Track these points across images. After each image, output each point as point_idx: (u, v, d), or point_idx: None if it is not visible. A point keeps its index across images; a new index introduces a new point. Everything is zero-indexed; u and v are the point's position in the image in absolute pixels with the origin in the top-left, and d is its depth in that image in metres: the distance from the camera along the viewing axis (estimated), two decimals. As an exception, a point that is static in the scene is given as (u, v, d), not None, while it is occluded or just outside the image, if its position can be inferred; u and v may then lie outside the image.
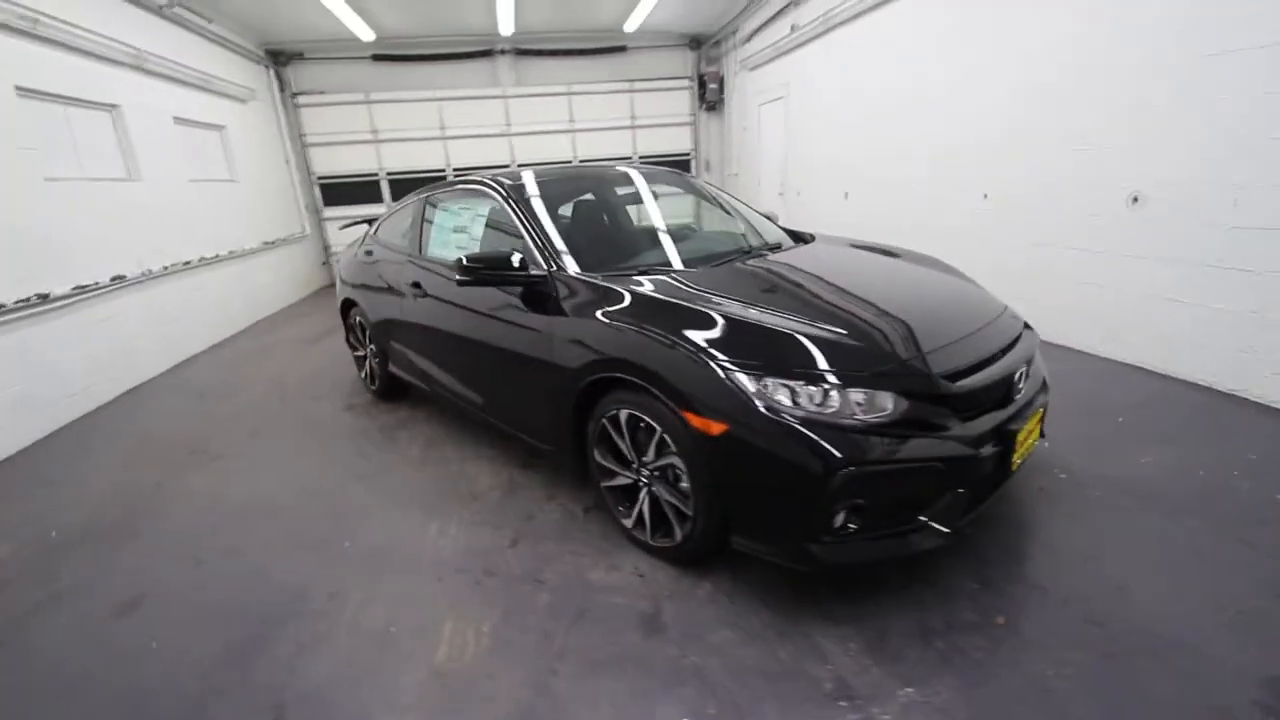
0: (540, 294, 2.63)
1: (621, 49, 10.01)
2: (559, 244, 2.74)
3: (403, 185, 9.55)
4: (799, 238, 3.42)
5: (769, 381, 1.94)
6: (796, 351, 2.00)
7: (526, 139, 10.02)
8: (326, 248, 9.99)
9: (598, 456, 2.52)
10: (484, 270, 2.65)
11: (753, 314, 2.18)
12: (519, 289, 2.70)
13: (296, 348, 6.09)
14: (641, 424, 2.27)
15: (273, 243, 8.10)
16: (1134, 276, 3.92)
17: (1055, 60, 4.25)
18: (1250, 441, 2.94)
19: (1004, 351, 2.26)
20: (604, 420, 2.41)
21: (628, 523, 2.50)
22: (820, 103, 7.37)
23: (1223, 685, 1.71)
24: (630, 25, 9.06)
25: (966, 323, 2.32)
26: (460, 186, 3.45)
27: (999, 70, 4.75)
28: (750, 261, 2.82)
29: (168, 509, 3.07)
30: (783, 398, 1.91)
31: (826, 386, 1.92)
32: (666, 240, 3.06)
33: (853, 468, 1.81)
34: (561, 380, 2.53)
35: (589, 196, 3.36)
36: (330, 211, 9.83)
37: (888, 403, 1.93)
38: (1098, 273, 4.15)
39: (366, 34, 8.41)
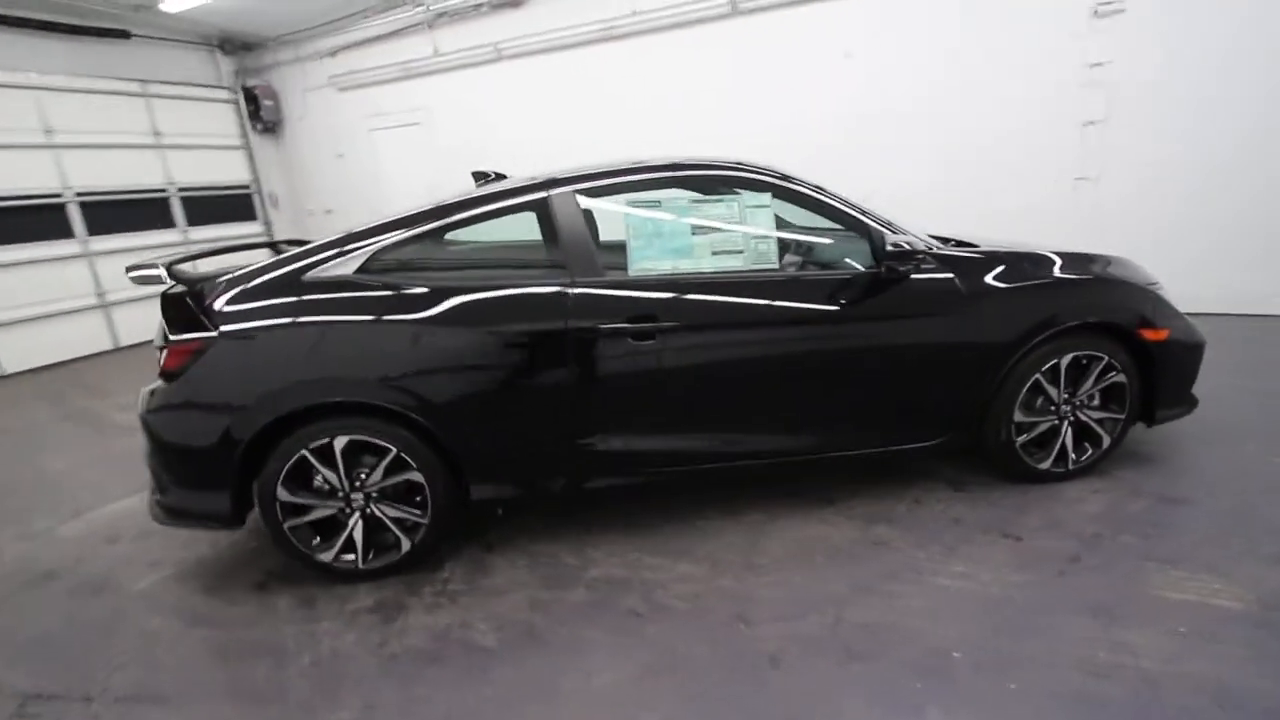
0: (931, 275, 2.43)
1: (123, 34, 6.78)
2: (890, 220, 2.52)
3: None
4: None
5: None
6: None
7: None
8: None
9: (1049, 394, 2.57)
10: (901, 265, 2.35)
11: None
12: (918, 275, 2.39)
13: None
14: (1083, 361, 2.55)
15: None
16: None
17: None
18: None
19: None
20: (1038, 375, 2.52)
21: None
22: (498, 132, 7.18)
23: None
24: (172, 4, 6.32)
25: None
26: (641, 178, 2.44)
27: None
28: None
29: None
30: None
31: None
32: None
33: None
34: (993, 355, 2.48)
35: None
36: None
37: None
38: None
39: None
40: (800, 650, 1.92)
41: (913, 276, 2.38)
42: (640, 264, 2.35)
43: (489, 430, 2.32)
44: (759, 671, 1.85)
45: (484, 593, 2.31)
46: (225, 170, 7.92)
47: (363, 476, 2.30)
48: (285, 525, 2.29)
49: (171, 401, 2.22)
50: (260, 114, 8.02)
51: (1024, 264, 2.55)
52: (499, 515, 2.72)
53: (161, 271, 2.23)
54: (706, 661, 1.91)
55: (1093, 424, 2.64)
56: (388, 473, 2.30)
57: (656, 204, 2.39)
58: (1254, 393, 3.43)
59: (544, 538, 2.61)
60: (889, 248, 2.31)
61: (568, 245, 2.33)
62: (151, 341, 2.62)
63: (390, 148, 7.94)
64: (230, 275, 2.34)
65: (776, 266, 2.40)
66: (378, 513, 2.34)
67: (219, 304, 2.24)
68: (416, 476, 2.31)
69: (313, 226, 8.66)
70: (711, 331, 2.34)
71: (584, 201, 2.38)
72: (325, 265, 2.31)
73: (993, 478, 2.77)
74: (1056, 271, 2.56)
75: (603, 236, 2.56)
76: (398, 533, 2.36)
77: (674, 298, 2.31)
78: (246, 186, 8.19)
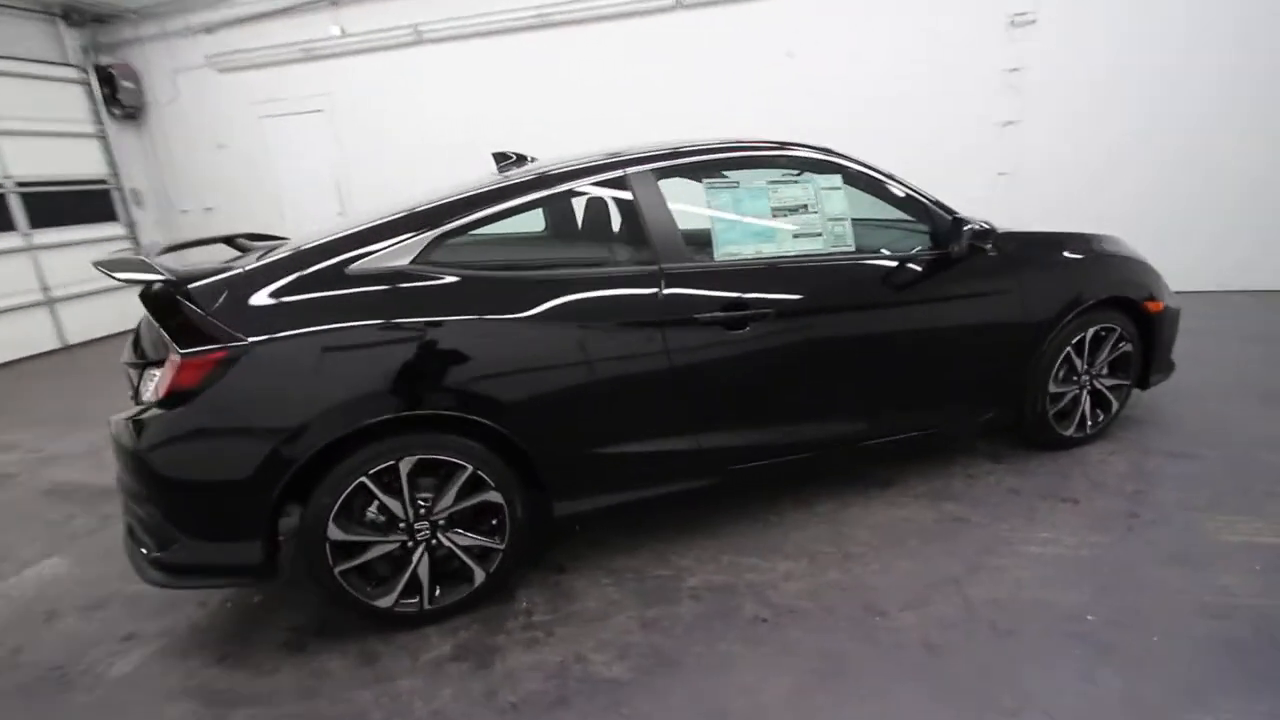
0: (998, 255, 2.51)
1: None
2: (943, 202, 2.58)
3: None
4: None
5: None
6: None
7: None
8: None
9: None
10: (983, 243, 2.41)
11: None
12: (976, 254, 2.45)
13: None
14: (1101, 334, 2.74)
15: None
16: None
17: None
18: None
19: None
20: (1069, 348, 2.69)
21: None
22: (417, 122, 6.61)
23: None
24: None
25: None
26: (716, 158, 2.30)
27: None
28: None
29: None
30: None
31: None
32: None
33: None
34: (1035, 332, 2.60)
35: None
36: None
37: None
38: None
39: None
40: (948, 633, 1.88)
41: (982, 257, 2.45)
42: (725, 248, 2.21)
43: (580, 438, 2.07)
44: (922, 660, 1.79)
45: (580, 619, 2.06)
46: (76, 162, 6.64)
47: (423, 502, 1.97)
48: (337, 570, 1.90)
49: (185, 428, 1.76)
50: (118, 97, 6.82)
51: (1055, 245, 2.71)
52: (576, 532, 2.45)
53: (159, 268, 1.76)
54: (864, 659, 1.81)
55: (1105, 391, 2.87)
56: (460, 495, 1.98)
57: (735, 185, 2.26)
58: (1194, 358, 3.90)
59: (619, 552, 2.38)
60: (972, 227, 2.34)
61: (653, 229, 2.13)
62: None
63: (284, 138, 7.07)
64: (238, 272, 1.91)
65: (854, 249, 2.36)
66: (446, 542, 2.01)
67: (251, 303, 1.81)
68: (493, 497, 2.01)
69: (187, 227, 7.54)
70: (803, 318, 2.25)
71: (661, 182, 2.19)
72: (372, 256, 1.94)
73: (1020, 448, 2.92)
74: (1081, 251, 2.75)
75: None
76: (469, 563, 2.05)
77: (764, 284, 2.20)
78: (104, 181, 6.92)
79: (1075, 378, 2.79)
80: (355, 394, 1.82)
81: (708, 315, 2.11)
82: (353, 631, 2.06)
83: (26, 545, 2.75)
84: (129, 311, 7.48)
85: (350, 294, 1.88)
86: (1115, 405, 2.92)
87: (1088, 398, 2.85)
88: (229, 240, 2.73)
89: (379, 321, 1.85)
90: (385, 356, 1.84)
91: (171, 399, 1.76)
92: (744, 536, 2.43)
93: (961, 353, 2.56)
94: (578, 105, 6.15)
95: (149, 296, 1.86)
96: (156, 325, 1.80)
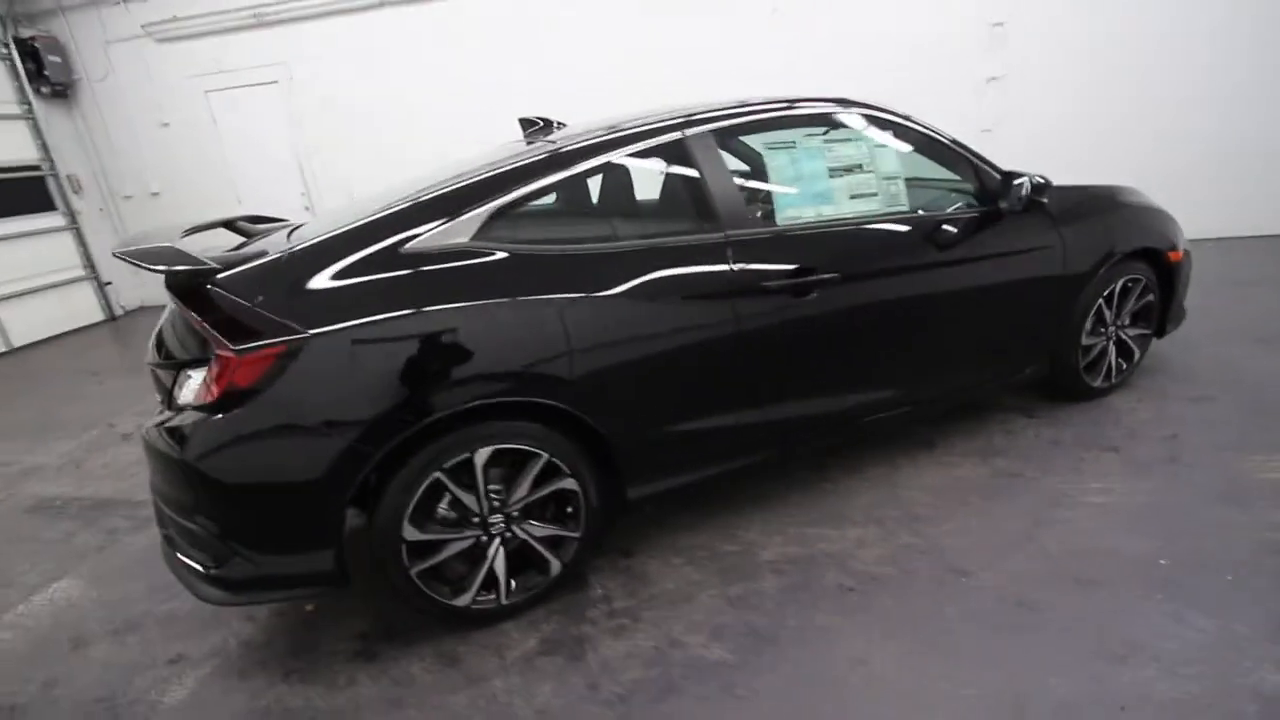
0: (1041, 210, 2.52)
1: None
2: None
3: None
4: None
5: None
6: None
7: None
8: None
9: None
10: (1042, 196, 2.46)
11: None
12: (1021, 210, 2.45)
13: None
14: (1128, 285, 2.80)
15: None
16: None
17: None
18: None
19: None
20: (1100, 300, 2.73)
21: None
22: (387, 91, 6.22)
23: None
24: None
25: None
26: (774, 117, 2.22)
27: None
28: None
29: None
30: None
31: None
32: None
33: None
34: (1074, 285, 2.64)
35: None
36: None
37: None
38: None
39: None
40: (1036, 589, 1.90)
41: (1027, 213, 2.44)
42: (786, 211, 2.14)
43: (654, 418, 1.99)
44: (1019, 617, 1.81)
45: (663, 602, 2.01)
46: (1, 147, 6.03)
47: (494, 494, 1.87)
48: (413, 571, 1.79)
49: (244, 431, 1.60)
50: (45, 74, 6.19)
51: (1088, 198, 2.73)
52: (646, 514, 2.37)
53: (204, 258, 1.59)
54: (963, 620, 1.82)
55: (1129, 341, 2.94)
56: (534, 485, 1.89)
57: (792, 145, 2.18)
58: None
59: (681, 530, 2.33)
60: (1024, 181, 2.33)
61: (716, 193, 2.03)
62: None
63: (235, 113, 6.58)
64: (275, 258, 1.74)
65: (908, 208, 2.32)
66: (521, 534, 1.92)
67: (303, 291, 1.65)
68: (568, 484, 1.92)
69: (131, 214, 7.00)
70: (867, 281, 2.21)
71: (720, 143, 2.09)
72: (426, 235, 1.79)
73: (1046, 401, 2.98)
74: (1110, 204, 2.78)
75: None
76: (545, 553, 1.96)
77: (828, 248, 2.14)
78: (36, 167, 6.30)
79: (1103, 329, 2.85)
80: (429, 383, 1.69)
81: (776, 284, 2.04)
82: (424, 634, 1.96)
83: (28, 569, 2.52)
84: (80, 309, 6.97)
85: (411, 276, 1.73)
86: (1137, 354, 2.99)
87: (1113, 348, 2.93)
88: (229, 224, 2.51)
89: (448, 305, 1.72)
90: (458, 341, 1.71)
91: (225, 401, 1.59)
92: (803, 506, 2.41)
93: (1010, 308, 2.57)
94: (560, 70, 5.89)
95: (182, 289, 1.68)
96: (198, 321, 1.62)
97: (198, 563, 1.76)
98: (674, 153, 2.05)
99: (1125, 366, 2.98)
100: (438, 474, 1.74)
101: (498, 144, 2.71)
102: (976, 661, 1.68)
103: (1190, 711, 1.50)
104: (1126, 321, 2.90)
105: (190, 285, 1.66)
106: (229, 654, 1.99)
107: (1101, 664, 1.64)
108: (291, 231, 2.19)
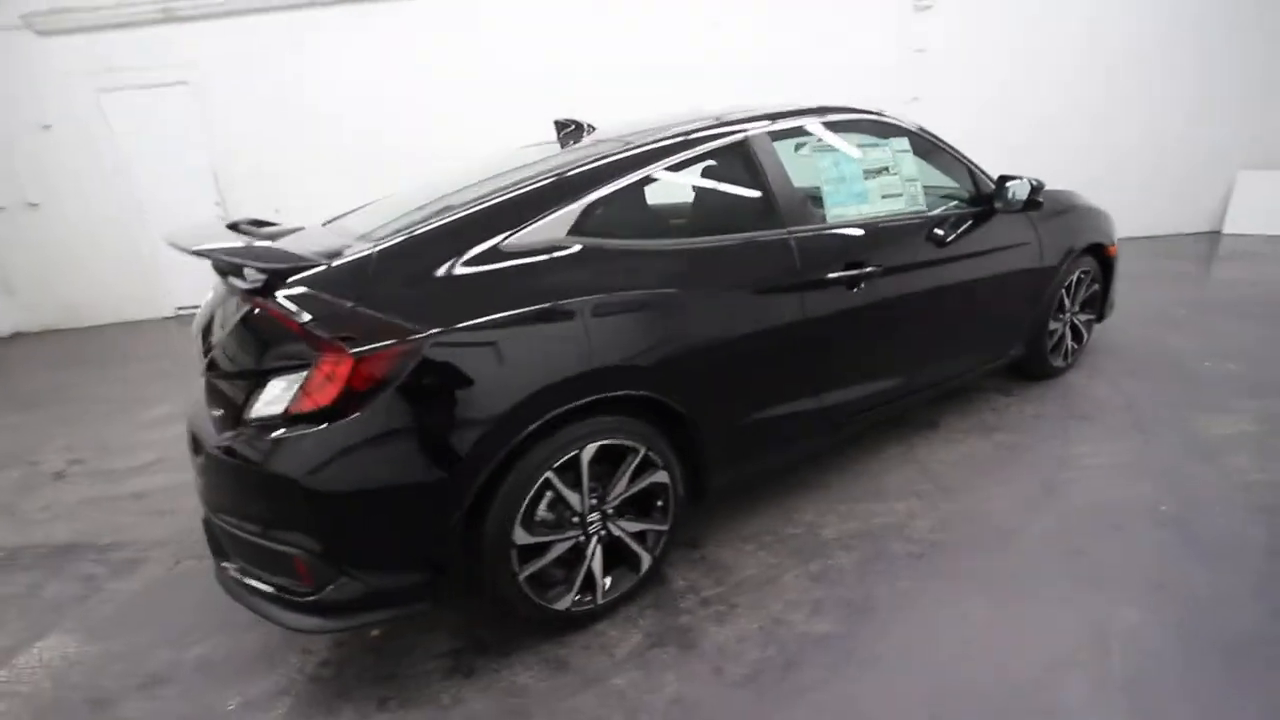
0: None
1: None
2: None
3: None
4: None
5: None
6: None
7: None
8: None
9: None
10: (1040, 196, 2.75)
11: None
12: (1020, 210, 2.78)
13: None
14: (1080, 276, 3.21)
15: None
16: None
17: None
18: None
19: None
20: (1062, 290, 3.11)
21: None
22: (316, 98, 5.85)
23: None
24: None
25: None
26: (807, 122, 2.36)
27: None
28: None
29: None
30: None
31: None
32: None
33: None
34: (1046, 277, 2.99)
35: None
36: None
37: None
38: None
39: None
40: (1079, 537, 2.15)
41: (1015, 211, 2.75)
42: (835, 209, 2.29)
43: (739, 407, 2.05)
44: (1077, 563, 2.04)
45: (751, 586, 2.06)
46: None
47: (591, 492, 1.85)
48: (522, 577, 1.73)
49: (366, 436, 1.49)
50: (-115, 63, 5.29)
51: (1051, 199, 3.10)
52: (706, 507, 2.39)
53: (307, 255, 1.47)
54: (1030, 571, 2.03)
55: (1080, 326, 3.36)
56: (631, 480, 1.88)
57: (834, 148, 2.33)
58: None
59: (739, 519, 2.39)
60: (1019, 182, 2.63)
61: (778, 191, 2.14)
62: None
63: (133, 117, 5.93)
64: (365, 254, 1.64)
65: (925, 208, 2.54)
66: (615, 531, 1.91)
67: (409, 290, 1.57)
68: (660, 477, 1.93)
69: (2, 228, 6.09)
70: (903, 273, 2.39)
71: (775, 143, 2.20)
72: (525, 231, 1.76)
73: (1018, 380, 3.34)
74: (1066, 205, 3.17)
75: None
76: (637, 549, 1.96)
77: (871, 243, 2.31)
78: (-123, 174, 5.35)
79: (1062, 315, 3.24)
80: (545, 381, 1.65)
81: (835, 275, 2.17)
82: (517, 643, 1.88)
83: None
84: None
85: (517, 272, 1.69)
86: (1086, 336, 3.43)
87: (1069, 332, 3.33)
88: (233, 227, 2.32)
89: (561, 301, 1.69)
90: (574, 336, 1.69)
91: (336, 407, 1.48)
92: (843, 487, 2.55)
93: (1008, 296, 2.89)
94: (492, 76, 5.83)
95: (262, 291, 1.54)
96: (297, 325, 1.50)
97: (285, 590, 1.60)
98: (740, 153, 2.14)
99: (1076, 348, 3.40)
100: (548, 473, 1.70)
101: (517, 145, 2.71)
102: (1062, 605, 1.88)
103: (1230, 606, 1.76)
104: (1078, 309, 3.32)
105: (277, 287, 1.54)
106: (300, 691, 1.81)
107: (1152, 596, 1.88)
108: (326, 225, 2.06)
